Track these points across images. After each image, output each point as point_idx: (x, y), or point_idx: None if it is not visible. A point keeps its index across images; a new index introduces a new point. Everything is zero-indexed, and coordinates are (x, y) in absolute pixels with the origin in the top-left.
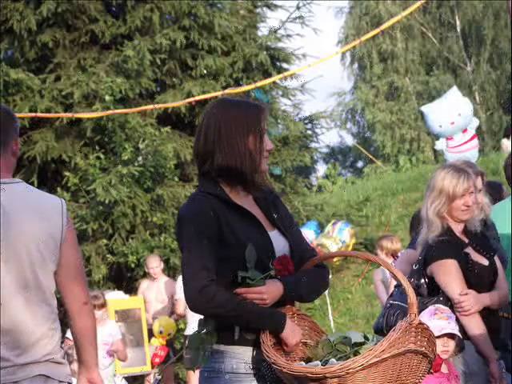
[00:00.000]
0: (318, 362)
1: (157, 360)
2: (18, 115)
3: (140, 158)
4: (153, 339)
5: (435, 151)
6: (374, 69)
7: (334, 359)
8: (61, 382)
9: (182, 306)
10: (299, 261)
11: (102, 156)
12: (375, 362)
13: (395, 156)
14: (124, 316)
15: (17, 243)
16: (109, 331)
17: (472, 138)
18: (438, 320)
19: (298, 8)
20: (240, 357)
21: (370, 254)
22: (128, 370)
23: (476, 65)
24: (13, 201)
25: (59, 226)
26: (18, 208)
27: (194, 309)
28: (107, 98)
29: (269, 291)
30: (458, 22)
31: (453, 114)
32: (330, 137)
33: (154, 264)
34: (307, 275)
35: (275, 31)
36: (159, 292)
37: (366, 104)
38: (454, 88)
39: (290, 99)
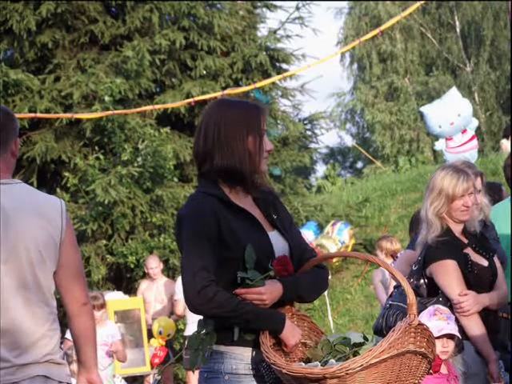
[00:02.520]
0: (318, 363)
1: (156, 360)
2: (17, 116)
3: (139, 159)
4: (152, 340)
5: (435, 152)
6: (374, 69)
7: (333, 360)
8: (60, 382)
9: (181, 306)
10: (299, 261)
11: (101, 156)
12: (375, 363)
13: (395, 156)
14: (123, 317)
15: (16, 244)
16: (108, 332)
17: (471, 139)
18: (437, 320)
19: (298, 9)
20: (239, 357)
21: (370, 255)
22: (127, 370)
23: (475, 65)
24: (12, 201)
25: (59, 227)
26: (17, 209)
27: (193, 309)
28: (107, 98)
29: (268, 292)
30: (457, 23)
31: (452, 115)
32: (330, 137)
33: (154, 264)
34: (307, 276)
35: (274, 32)
36: (158, 293)
37: (366, 104)
38: (454, 88)
39: (289, 100)
